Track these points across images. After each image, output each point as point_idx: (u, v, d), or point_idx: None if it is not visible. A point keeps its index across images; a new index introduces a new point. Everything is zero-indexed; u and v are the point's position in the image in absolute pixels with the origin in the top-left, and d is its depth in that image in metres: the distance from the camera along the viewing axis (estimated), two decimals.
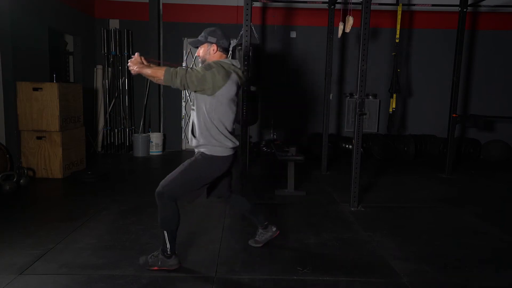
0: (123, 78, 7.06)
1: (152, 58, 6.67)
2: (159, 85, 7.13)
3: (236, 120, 2.69)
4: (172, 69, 2.40)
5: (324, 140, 5.66)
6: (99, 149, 7.08)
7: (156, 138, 6.90)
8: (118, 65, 7.02)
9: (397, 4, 6.09)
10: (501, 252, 3.10)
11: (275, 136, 7.13)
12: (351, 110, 7.06)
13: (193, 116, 2.57)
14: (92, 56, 6.99)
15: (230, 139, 2.57)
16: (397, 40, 6.20)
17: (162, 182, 2.54)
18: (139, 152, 6.74)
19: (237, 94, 2.59)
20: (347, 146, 6.89)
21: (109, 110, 7.05)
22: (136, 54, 2.45)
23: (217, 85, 2.41)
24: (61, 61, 7.15)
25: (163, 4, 7.06)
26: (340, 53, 7.23)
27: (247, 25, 3.87)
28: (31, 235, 3.14)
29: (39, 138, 4.93)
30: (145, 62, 2.44)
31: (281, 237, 3.24)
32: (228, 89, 2.48)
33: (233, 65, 2.57)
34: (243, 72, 2.64)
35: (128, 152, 7.09)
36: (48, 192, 4.57)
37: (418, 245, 3.17)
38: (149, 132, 7.05)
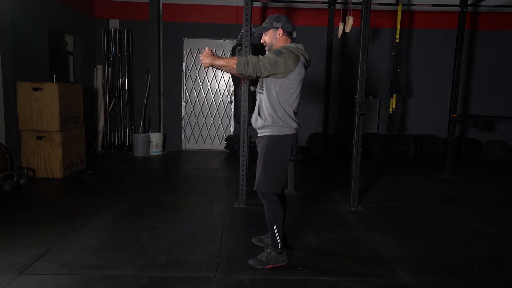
0: (123, 78, 7.06)
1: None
2: (159, 85, 7.14)
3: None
4: (243, 57, 2.53)
5: (324, 140, 5.66)
6: (99, 149, 7.08)
7: (156, 138, 6.89)
8: (118, 65, 7.02)
9: (397, 4, 6.09)
10: (501, 252, 3.10)
11: None
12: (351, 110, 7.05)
13: (261, 98, 2.67)
14: (92, 56, 6.99)
15: (294, 120, 2.67)
16: (397, 40, 6.20)
17: (257, 184, 2.67)
18: (139, 152, 6.74)
19: (304, 76, 2.68)
20: (347, 146, 6.88)
21: (109, 110, 7.05)
22: (206, 48, 2.60)
23: (289, 69, 2.52)
24: (61, 61, 7.15)
25: (163, 4, 7.06)
26: (340, 53, 7.23)
27: (247, 25, 3.86)
28: (31, 235, 3.14)
29: (39, 138, 4.93)
30: (215, 55, 2.57)
31: None
32: (299, 72, 2.58)
33: (299, 48, 2.68)
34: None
35: (128, 152, 7.09)
36: (48, 192, 4.57)
37: (418, 245, 3.17)
38: (149, 132, 7.05)
